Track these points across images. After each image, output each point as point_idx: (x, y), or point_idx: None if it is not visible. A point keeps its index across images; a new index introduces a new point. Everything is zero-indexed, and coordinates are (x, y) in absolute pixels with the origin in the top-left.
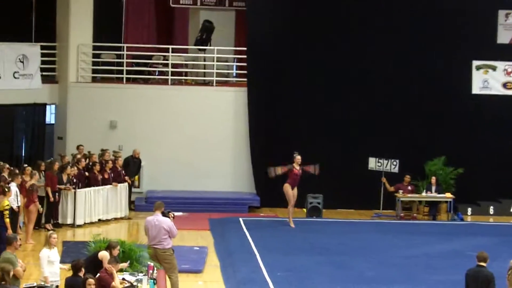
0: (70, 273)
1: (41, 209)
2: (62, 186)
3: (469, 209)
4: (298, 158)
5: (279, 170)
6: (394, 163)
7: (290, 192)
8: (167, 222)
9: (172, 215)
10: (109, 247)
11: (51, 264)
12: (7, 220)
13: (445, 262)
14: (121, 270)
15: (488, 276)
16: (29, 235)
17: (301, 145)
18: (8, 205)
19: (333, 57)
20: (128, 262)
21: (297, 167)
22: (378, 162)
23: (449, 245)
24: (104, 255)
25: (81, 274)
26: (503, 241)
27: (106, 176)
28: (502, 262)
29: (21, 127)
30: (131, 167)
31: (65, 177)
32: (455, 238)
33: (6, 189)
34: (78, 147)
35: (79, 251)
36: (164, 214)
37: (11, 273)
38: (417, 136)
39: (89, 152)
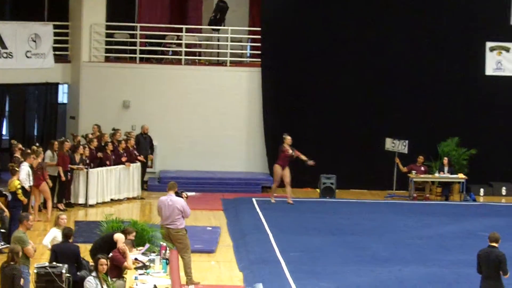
0: None
1: (51, 184)
2: (75, 166)
3: (482, 190)
4: (288, 138)
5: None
6: (404, 143)
7: (279, 172)
8: (180, 202)
9: (185, 195)
10: (124, 232)
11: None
12: (23, 198)
13: (457, 243)
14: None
15: (499, 256)
16: (49, 213)
17: (314, 126)
18: (19, 184)
19: (348, 37)
20: (147, 246)
21: (288, 148)
22: (392, 143)
23: (461, 225)
24: (119, 237)
25: (71, 240)
26: None
27: (119, 157)
28: None
29: (33, 106)
30: (142, 144)
31: (77, 157)
32: (467, 218)
33: (17, 168)
34: (93, 127)
35: (91, 230)
36: (178, 194)
37: (20, 253)
38: (430, 116)
39: (99, 130)
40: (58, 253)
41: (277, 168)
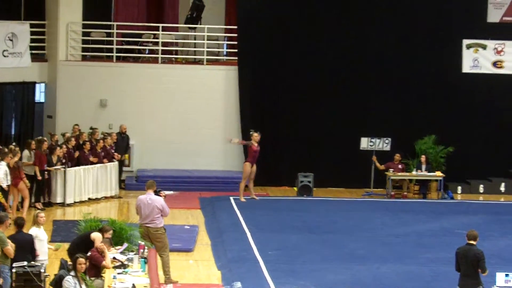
0: (57, 253)
1: (28, 185)
2: (52, 168)
3: (459, 188)
4: (255, 135)
5: (236, 141)
6: (386, 141)
7: (249, 170)
8: (160, 201)
9: (164, 194)
10: (101, 230)
11: (39, 243)
12: (3, 201)
13: (435, 240)
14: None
15: (477, 254)
16: (25, 212)
17: (291, 124)
18: None
19: (325, 35)
20: (125, 245)
21: (255, 144)
22: (371, 142)
23: (439, 223)
24: (96, 236)
25: (25, 230)
26: (492, 219)
27: (95, 157)
28: (492, 240)
29: (10, 105)
30: (120, 143)
31: (55, 158)
32: (445, 216)
33: None
34: (73, 127)
35: (69, 230)
36: (156, 193)
37: (0, 253)
38: (407, 114)
39: (79, 130)
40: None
41: (247, 166)
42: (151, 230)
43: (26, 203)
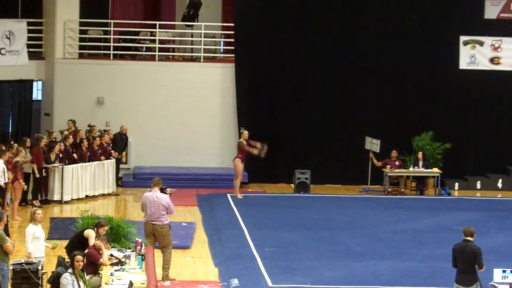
0: (54, 251)
1: (25, 186)
2: (50, 166)
3: (457, 184)
4: (245, 133)
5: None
6: (377, 143)
7: (241, 166)
8: (165, 199)
9: (169, 192)
10: (97, 225)
11: (36, 240)
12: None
13: (432, 237)
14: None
15: (474, 250)
16: (15, 211)
17: (288, 121)
18: None
19: (322, 33)
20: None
21: (245, 142)
22: (370, 142)
23: (436, 220)
24: (89, 233)
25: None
26: (489, 216)
27: (93, 154)
28: (489, 236)
29: (8, 103)
30: (119, 143)
31: (53, 156)
32: (442, 213)
33: None
34: (68, 123)
35: (66, 227)
36: (162, 190)
37: None
38: (404, 111)
39: (76, 127)
40: None
41: (238, 162)
42: (157, 227)
43: (16, 204)
